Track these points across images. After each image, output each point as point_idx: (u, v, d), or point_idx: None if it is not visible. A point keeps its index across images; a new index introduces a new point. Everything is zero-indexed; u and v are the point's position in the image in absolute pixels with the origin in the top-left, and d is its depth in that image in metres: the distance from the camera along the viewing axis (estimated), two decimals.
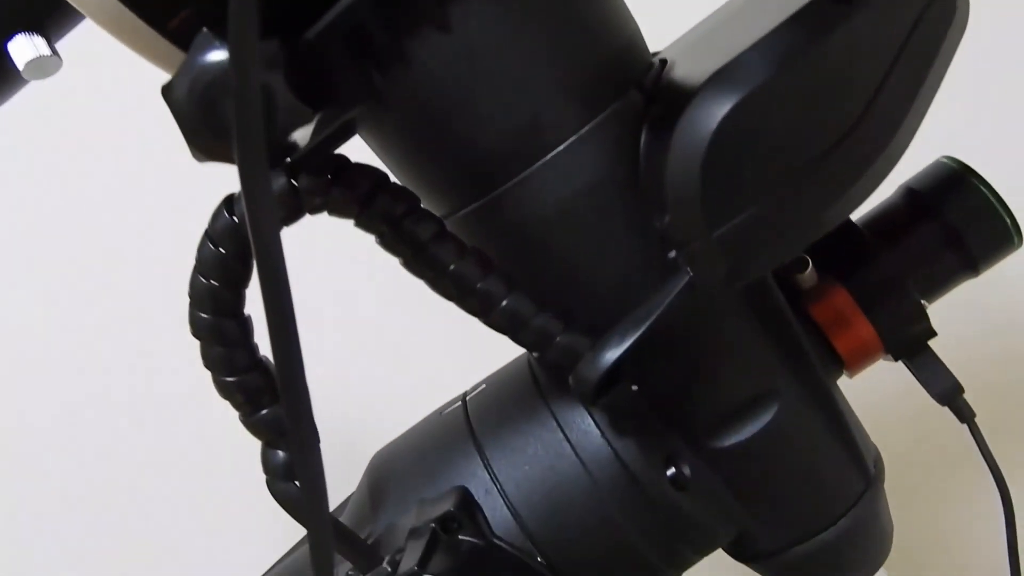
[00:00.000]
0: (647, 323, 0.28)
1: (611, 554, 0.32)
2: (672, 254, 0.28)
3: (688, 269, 0.27)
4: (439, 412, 0.36)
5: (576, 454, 0.32)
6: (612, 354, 0.28)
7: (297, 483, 0.30)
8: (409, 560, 0.29)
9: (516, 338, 0.29)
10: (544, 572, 0.31)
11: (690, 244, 0.27)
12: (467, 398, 0.35)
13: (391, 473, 0.35)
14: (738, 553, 0.35)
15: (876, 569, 0.36)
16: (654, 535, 0.32)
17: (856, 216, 0.34)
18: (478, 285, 0.27)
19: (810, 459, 0.33)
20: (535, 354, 0.29)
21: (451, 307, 0.29)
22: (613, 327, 0.28)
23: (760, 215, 0.27)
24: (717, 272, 0.27)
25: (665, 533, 0.32)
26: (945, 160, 0.35)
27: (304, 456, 0.21)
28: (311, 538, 0.22)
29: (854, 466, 0.34)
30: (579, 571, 0.31)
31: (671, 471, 0.32)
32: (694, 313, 0.29)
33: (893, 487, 0.35)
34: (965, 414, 0.34)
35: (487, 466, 0.33)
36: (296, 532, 0.32)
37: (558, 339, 0.28)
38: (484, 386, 0.36)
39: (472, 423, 0.34)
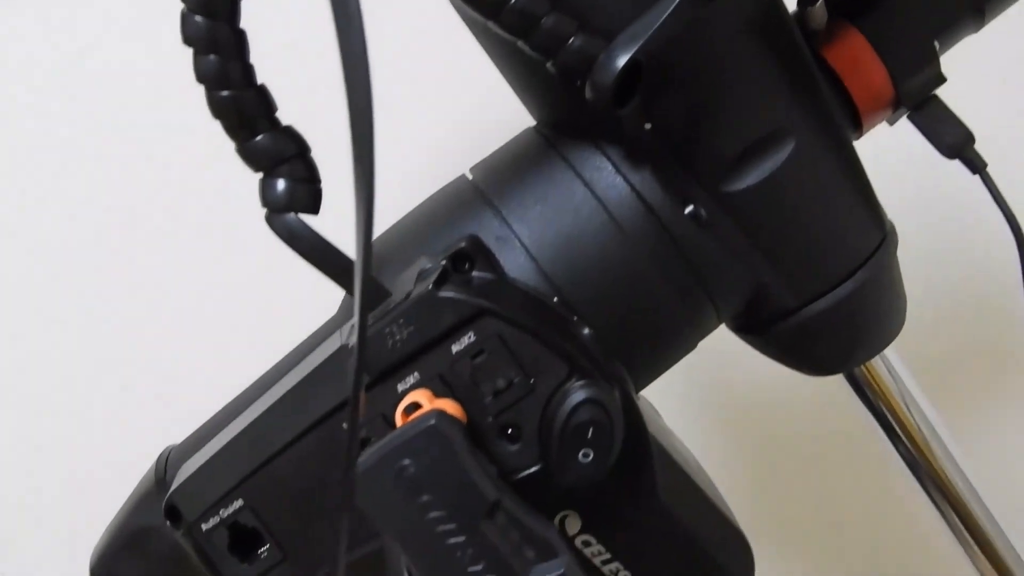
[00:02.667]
0: (661, 20, 0.27)
1: (630, 293, 0.31)
2: None
3: None
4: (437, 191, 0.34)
5: (592, 192, 0.31)
6: (626, 52, 0.27)
7: (296, 214, 0.28)
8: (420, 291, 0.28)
9: (529, 41, 0.27)
10: (561, 310, 0.29)
11: None
12: (469, 170, 0.34)
13: (391, 240, 0.33)
14: (753, 322, 0.34)
15: (887, 341, 0.36)
16: (673, 274, 0.31)
17: None
18: None
19: (826, 203, 0.32)
20: (549, 62, 0.28)
21: None
22: (626, 29, 0.27)
23: None
24: None
25: (683, 272, 0.31)
26: None
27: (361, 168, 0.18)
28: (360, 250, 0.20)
29: (870, 217, 0.33)
30: (597, 311, 0.30)
31: (689, 208, 0.31)
32: (706, 38, 0.28)
33: None
34: (976, 164, 0.34)
35: (499, 215, 0.31)
36: None
37: (572, 40, 0.27)
38: (486, 158, 0.34)
39: (479, 184, 0.32)
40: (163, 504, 0.31)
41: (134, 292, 0.65)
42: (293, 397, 0.30)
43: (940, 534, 0.41)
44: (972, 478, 0.40)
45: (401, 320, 0.28)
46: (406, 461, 0.24)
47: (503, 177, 0.32)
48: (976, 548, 0.41)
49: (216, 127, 0.28)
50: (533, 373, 0.28)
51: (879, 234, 0.33)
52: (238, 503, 0.30)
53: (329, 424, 0.29)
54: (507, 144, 0.34)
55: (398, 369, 0.28)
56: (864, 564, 0.71)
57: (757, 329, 0.34)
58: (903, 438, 0.39)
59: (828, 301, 0.33)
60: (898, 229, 0.34)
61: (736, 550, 0.33)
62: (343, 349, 0.29)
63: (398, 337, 0.28)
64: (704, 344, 0.34)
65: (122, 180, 0.63)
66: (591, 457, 0.27)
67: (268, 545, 0.30)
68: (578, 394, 0.27)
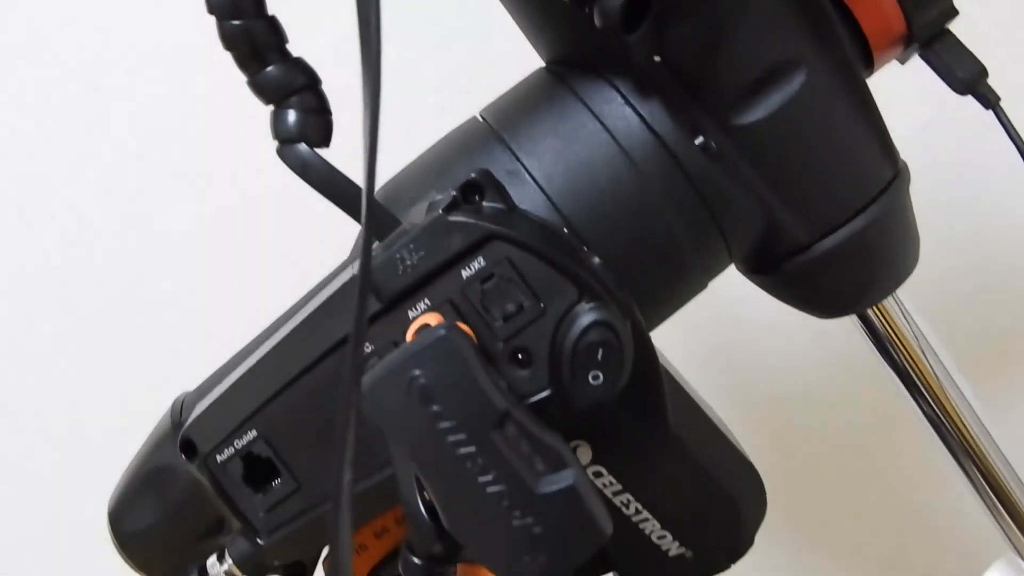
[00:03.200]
0: None
1: (641, 225, 0.31)
2: None
3: None
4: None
5: (602, 124, 0.31)
6: None
7: (307, 144, 0.29)
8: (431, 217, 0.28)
9: None
10: (571, 239, 0.29)
11: None
12: (480, 112, 0.34)
13: (403, 179, 0.33)
14: (765, 259, 0.34)
15: (900, 280, 0.35)
16: (684, 205, 0.31)
17: None
18: None
19: (837, 137, 0.32)
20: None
21: None
22: None
23: None
24: None
25: (694, 204, 0.31)
26: None
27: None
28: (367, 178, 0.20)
29: (882, 152, 0.33)
30: (608, 242, 0.30)
31: (700, 139, 0.31)
32: None
33: None
34: (989, 99, 0.34)
35: (509, 149, 0.31)
36: None
37: None
38: (497, 99, 0.34)
39: (489, 122, 0.33)
40: (178, 439, 0.32)
41: (149, 259, 0.65)
42: (306, 327, 0.30)
43: (964, 511, 0.40)
44: (1000, 441, 0.40)
45: (411, 245, 0.28)
46: (416, 371, 0.24)
47: (513, 114, 0.33)
48: (1003, 512, 0.40)
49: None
50: (543, 297, 0.28)
51: (891, 170, 0.33)
52: (252, 434, 0.30)
53: (342, 352, 0.29)
54: (517, 84, 0.34)
55: (408, 295, 0.28)
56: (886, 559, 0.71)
57: (769, 267, 0.34)
58: (926, 394, 0.39)
59: (841, 235, 0.33)
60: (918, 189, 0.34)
61: (748, 483, 0.33)
62: (356, 279, 0.29)
63: (408, 263, 0.28)
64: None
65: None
66: (601, 379, 0.27)
67: (282, 475, 0.30)
68: (588, 316, 0.27)
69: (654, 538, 0.32)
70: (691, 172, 0.31)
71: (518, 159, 0.31)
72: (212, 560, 0.33)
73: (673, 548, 0.32)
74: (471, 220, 0.28)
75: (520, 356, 0.28)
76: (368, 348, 0.29)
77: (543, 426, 0.25)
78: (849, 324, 0.38)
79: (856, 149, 0.32)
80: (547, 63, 0.34)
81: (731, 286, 0.35)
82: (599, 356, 0.27)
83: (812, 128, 0.32)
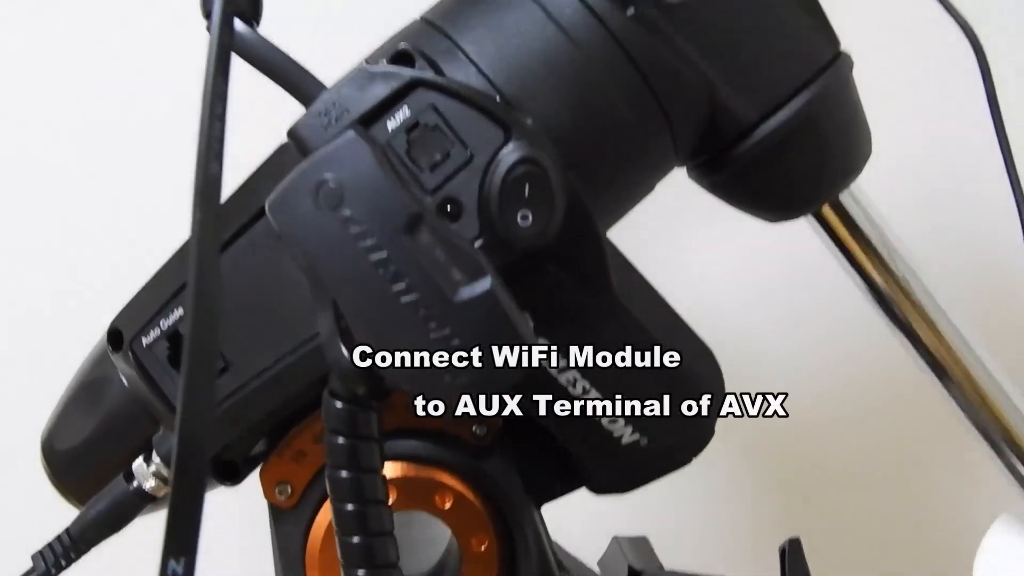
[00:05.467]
0: None
1: (581, 101, 0.30)
2: None
3: None
4: None
5: (535, 1, 0.31)
6: None
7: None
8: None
9: None
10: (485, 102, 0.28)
11: None
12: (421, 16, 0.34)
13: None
14: (714, 153, 0.33)
15: (854, 169, 0.35)
16: (623, 79, 0.30)
17: None
18: None
19: (772, 9, 0.32)
20: None
21: None
22: None
23: None
24: None
25: (634, 78, 0.30)
26: None
27: None
28: None
29: (819, 30, 0.33)
30: (546, 117, 0.29)
31: (631, 10, 0.31)
32: None
33: None
34: None
35: (442, 32, 0.31)
36: None
37: None
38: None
39: (425, 17, 0.33)
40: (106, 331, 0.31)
41: None
42: (234, 198, 0.29)
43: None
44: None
45: (335, 99, 0.28)
46: (325, 175, 0.23)
47: (450, 4, 0.33)
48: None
49: None
50: (469, 142, 0.27)
51: (832, 48, 0.33)
52: (177, 312, 0.29)
53: (263, 224, 0.29)
54: None
55: None
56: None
57: (719, 161, 0.33)
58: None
59: (785, 113, 0.32)
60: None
61: (705, 363, 0.31)
62: (282, 145, 0.29)
63: (332, 114, 0.28)
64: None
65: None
66: (530, 218, 0.26)
67: None
68: (512, 154, 0.27)
69: (604, 423, 0.30)
70: (627, 44, 0.31)
71: (451, 38, 0.31)
72: (138, 462, 0.31)
73: (626, 434, 0.30)
74: (392, 70, 0.28)
75: (449, 208, 0.27)
76: None
77: (458, 235, 0.24)
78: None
79: (792, 25, 0.32)
80: None
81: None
82: (526, 191, 0.26)
83: (745, 2, 0.32)
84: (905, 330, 0.37)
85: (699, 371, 0.30)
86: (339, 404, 0.25)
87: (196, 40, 0.25)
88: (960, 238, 0.63)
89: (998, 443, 0.38)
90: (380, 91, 0.27)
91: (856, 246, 0.37)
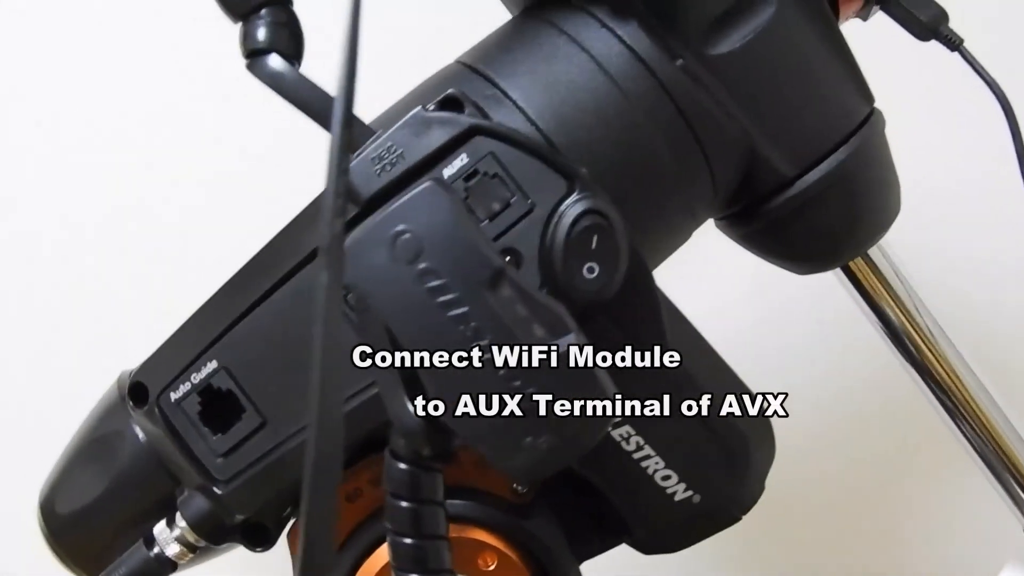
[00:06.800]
0: None
1: (626, 145, 0.30)
2: None
3: None
4: None
5: (580, 46, 0.30)
6: None
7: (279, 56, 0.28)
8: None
9: None
10: (548, 152, 0.28)
11: None
12: (457, 58, 0.33)
13: (380, 118, 0.32)
14: (749, 203, 0.33)
15: (884, 226, 0.35)
16: (666, 122, 0.30)
17: None
18: None
19: (810, 70, 0.32)
20: None
21: None
22: None
23: None
24: None
25: (677, 122, 0.30)
26: None
27: None
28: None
29: (856, 89, 0.33)
30: (592, 162, 0.29)
31: (680, 61, 0.30)
32: None
33: None
34: (953, 41, 0.34)
35: (488, 79, 0.30)
36: None
37: None
38: (474, 45, 0.34)
39: (466, 61, 0.32)
40: (127, 385, 0.28)
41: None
42: (268, 251, 0.28)
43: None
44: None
45: (389, 144, 0.27)
46: (402, 226, 0.22)
47: (490, 50, 0.32)
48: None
49: None
50: (531, 192, 0.26)
51: (867, 106, 0.33)
52: (211, 365, 0.28)
53: (309, 271, 0.27)
54: (493, 31, 0.34)
55: (386, 198, 0.26)
56: None
57: (753, 212, 0.33)
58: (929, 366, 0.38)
59: (824, 168, 0.32)
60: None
61: (758, 421, 0.30)
62: (320, 196, 0.28)
63: (386, 160, 0.26)
64: None
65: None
66: (597, 271, 0.26)
67: (246, 411, 0.27)
68: (580, 205, 0.26)
69: (658, 478, 0.29)
70: (673, 91, 0.30)
71: (496, 85, 0.30)
72: (160, 526, 0.29)
73: (679, 491, 0.29)
74: (451, 116, 0.27)
75: (508, 259, 0.27)
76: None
77: (537, 290, 0.23)
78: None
79: (831, 83, 0.32)
80: (522, 10, 0.34)
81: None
82: (593, 244, 0.26)
83: (785, 60, 0.32)
84: (925, 377, 0.37)
85: (755, 429, 0.30)
86: (402, 466, 0.24)
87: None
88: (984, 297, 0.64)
89: (1005, 478, 0.39)
90: (438, 137, 0.26)
91: (882, 297, 0.37)
